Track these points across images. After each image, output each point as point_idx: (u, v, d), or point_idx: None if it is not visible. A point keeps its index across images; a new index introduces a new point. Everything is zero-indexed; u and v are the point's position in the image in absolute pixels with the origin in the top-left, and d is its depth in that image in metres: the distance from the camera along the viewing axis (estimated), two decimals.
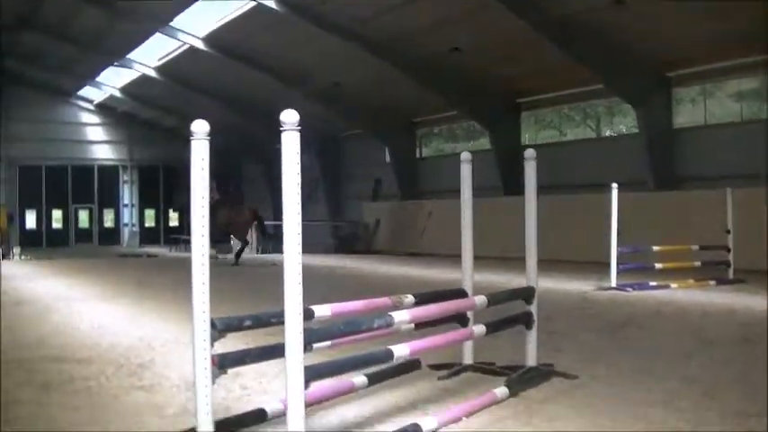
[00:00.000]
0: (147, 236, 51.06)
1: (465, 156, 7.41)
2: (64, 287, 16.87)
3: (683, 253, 16.37)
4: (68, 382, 6.85)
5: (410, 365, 7.03)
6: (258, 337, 6.21)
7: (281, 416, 5.14)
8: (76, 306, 12.90)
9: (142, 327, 10.09)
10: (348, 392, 6.04)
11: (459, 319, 6.70)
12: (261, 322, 4.74)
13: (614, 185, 15.13)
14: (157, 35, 32.97)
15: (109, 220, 51.97)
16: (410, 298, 6.09)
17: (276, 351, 4.56)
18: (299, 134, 4.34)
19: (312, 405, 5.73)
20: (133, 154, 50.85)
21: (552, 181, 26.52)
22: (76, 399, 6.24)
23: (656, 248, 16.13)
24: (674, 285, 15.04)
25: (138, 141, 50.15)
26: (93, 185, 49.87)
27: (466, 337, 6.61)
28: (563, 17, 22.13)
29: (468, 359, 7.15)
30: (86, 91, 48.07)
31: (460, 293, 6.86)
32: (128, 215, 52.07)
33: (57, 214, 49.64)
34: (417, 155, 35.01)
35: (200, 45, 32.02)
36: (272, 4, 26.20)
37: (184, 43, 32.70)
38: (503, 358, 7.21)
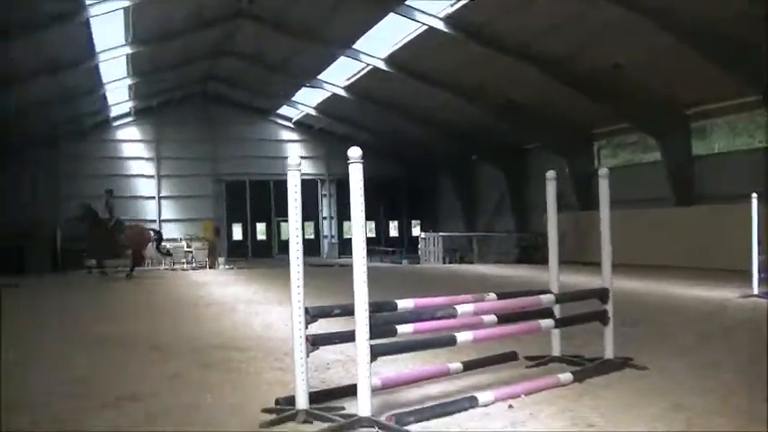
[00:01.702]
0: (346, 247, 52.64)
1: (550, 174, 8.59)
2: (251, 292, 19.00)
3: None
4: (225, 362, 8.62)
5: (508, 356, 8.26)
6: None
7: (377, 390, 6.54)
8: (255, 307, 14.84)
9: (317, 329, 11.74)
10: (443, 375, 7.38)
11: (543, 315, 7.83)
12: (347, 311, 6.13)
13: (754, 195, 15.57)
14: (342, 58, 35.27)
15: (309, 233, 54.08)
16: (492, 295, 7.35)
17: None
18: (361, 166, 5.83)
19: (410, 383, 7.14)
20: (331, 168, 52.26)
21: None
22: (227, 374, 7.96)
23: None
24: None
25: (335, 156, 51.44)
26: None
27: (533, 330, 7.68)
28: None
29: (556, 352, 8.26)
30: (284, 110, 50.92)
31: (542, 293, 7.99)
32: (327, 227, 54.04)
33: (260, 227, 52.23)
34: (595, 166, 35.27)
35: (382, 65, 33.93)
36: (443, 27, 27.70)
37: (368, 65, 34.75)
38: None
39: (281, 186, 46.26)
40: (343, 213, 53.03)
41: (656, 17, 22.52)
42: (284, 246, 51.45)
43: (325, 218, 53.41)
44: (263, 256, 47.68)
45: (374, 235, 54.13)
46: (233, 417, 6.14)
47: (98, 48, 31.03)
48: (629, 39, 24.48)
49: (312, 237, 53.55)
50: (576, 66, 28.12)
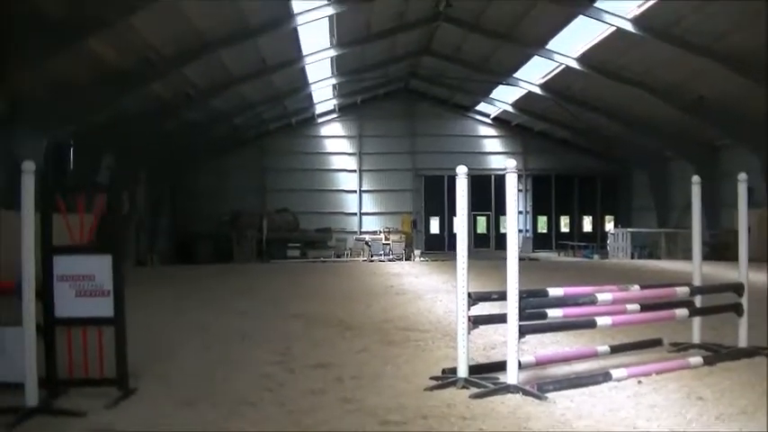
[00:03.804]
0: (540, 241, 53.03)
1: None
2: (440, 282, 20.41)
3: None
4: (405, 341, 10.02)
5: (653, 342, 9.20)
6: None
7: (532, 366, 7.72)
8: (440, 296, 16.21)
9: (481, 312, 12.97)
10: (591, 356, 8.41)
11: (681, 305, 8.72)
12: (503, 297, 7.32)
13: None
14: (536, 57, 36.22)
15: (504, 227, 54.30)
16: (635, 287, 8.35)
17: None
18: (516, 176, 7.07)
19: (560, 362, 8.24)
20: (527, 163, 52.51)
21: None
22: (405, 350, 9.35)
23: None
24: None
25: (531, 152, 52.10)
26: (490, 194, 51.52)
27: (668, 318, 8.62)
28: None
29: (696, 339, 9.11)
30: (483, 106, 52.00)
31: (680, 285, 8.89)
32: (522, 222, 54.02)
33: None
34: None
35: (575, 65, 34.67)
36: (630, 28, 28.21)
37: (560, 64, 35.55)
38: None
39: (478, 182, 47.15)
40: (538, 208, 53.49)
41: None
42: (480, 239, 52.59)
43: (520, 212, 53.72)
44: None
45: (568, 230, 54.40)
46: (405, 383, 7.48)
47: (304, 51, 33.36)
48: None
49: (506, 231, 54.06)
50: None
